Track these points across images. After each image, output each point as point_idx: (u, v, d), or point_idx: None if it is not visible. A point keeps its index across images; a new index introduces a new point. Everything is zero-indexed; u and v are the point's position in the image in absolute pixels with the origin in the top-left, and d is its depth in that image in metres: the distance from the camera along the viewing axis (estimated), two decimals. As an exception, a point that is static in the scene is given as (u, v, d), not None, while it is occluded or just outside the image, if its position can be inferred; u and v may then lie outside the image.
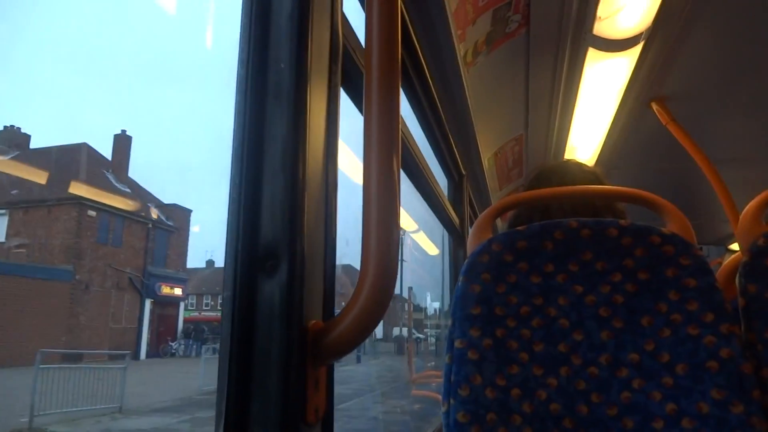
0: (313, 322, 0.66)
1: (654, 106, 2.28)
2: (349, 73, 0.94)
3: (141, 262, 25.56)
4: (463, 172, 2.47)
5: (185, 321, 29.42)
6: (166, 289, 26.45)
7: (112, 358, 19.13)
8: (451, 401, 0.79)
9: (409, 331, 17.63)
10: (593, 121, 2.49)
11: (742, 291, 0.83)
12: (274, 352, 0.60)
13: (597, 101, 2.31)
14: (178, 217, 28.43)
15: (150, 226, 26.21)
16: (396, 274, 0.66)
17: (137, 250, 25.54)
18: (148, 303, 25.30)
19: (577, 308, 0.84)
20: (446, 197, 2.26)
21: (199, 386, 13.94)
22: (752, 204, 0.93)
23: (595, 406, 0.79)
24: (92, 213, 23.00)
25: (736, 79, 2.11)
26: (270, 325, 0.61)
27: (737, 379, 0.75)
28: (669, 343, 0.80)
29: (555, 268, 0.86)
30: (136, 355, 23.15)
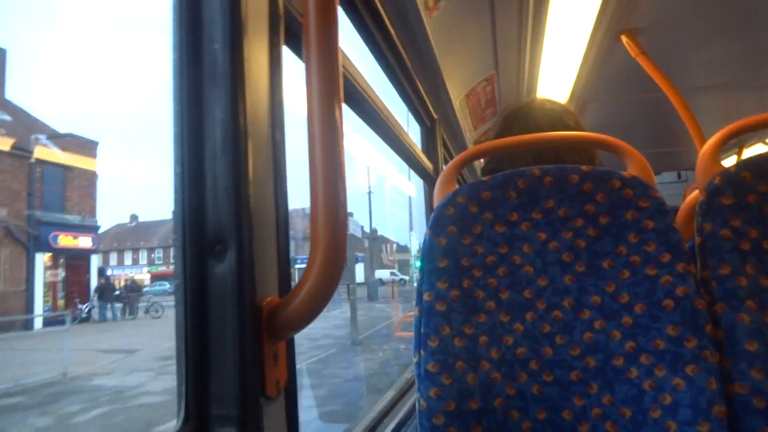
0: (269, 299, 0.68)
1: (624, 39, 2.25)
2: (294, 31, 0.91)
3: (22, 207, 19.17)
4: (435, 116, 2.45)
5: (152, 275, 25.94)
6: (65, 240, 20.72)
7: (4, 329, 13.34)
8: (422, 353, 0.83)
9: (348, 285, 14.30)
10: (564, 55, 2.45)
11: (699, 229, 0.85)
12: (228, 333, 0.62)
13: (566, 35, 2.27)
14: (77, 151, 21.93)
15: (33, 161, 19.60)
16: (345, 246, 0.68)
17: (15, 192, 19.05)
18: (39, 258, 19.34)
19: (541, 255, 0.86)
20: (418, 144, 2.25)
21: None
22: (709, 144, 0.94)
23: (559, 347, 0.83)
24: (-71, 144, 15.62)
25: (704, 8, 2.07)
26: (222, 307, 0.63)
27: (691, 315, 0.78)
28: (628, 284, 0.82)
29: (519, 216, 0.87)
30: (27, 325, 16.78)
